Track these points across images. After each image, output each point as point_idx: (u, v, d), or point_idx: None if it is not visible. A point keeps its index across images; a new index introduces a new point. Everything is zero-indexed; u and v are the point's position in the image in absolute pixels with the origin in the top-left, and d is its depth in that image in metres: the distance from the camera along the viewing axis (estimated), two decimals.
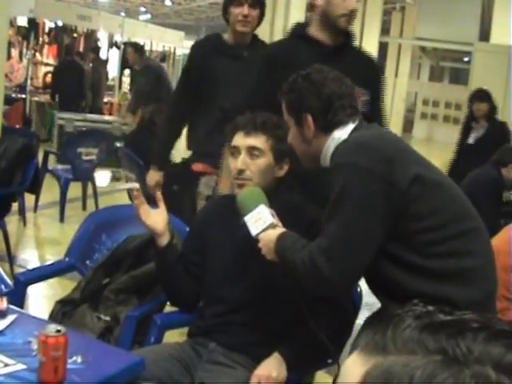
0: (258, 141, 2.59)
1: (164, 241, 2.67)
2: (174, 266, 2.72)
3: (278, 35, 12.12)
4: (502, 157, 5.77)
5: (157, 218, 2.65)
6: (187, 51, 17.79)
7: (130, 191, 6.34)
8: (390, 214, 2.12)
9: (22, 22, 14.31)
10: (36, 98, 13.46)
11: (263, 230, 2.31)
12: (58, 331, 1.89)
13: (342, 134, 2.30)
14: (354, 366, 0.79)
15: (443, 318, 0.78)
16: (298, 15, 12.53)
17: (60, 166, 8.11)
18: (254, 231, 2.33)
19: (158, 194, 2.71)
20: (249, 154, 2.58)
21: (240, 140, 2.60)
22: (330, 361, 2.49)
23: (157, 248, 2.69)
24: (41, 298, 4.95)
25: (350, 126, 2.31)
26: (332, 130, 2.31)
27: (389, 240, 2.15)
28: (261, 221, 2.32)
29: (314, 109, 2.31)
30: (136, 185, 2.72)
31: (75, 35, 15.41)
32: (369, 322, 2.43)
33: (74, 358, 2.00)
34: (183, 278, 2.73)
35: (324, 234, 2.18)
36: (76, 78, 12.46)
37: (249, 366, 2.49)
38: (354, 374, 0.78)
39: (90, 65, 14.15)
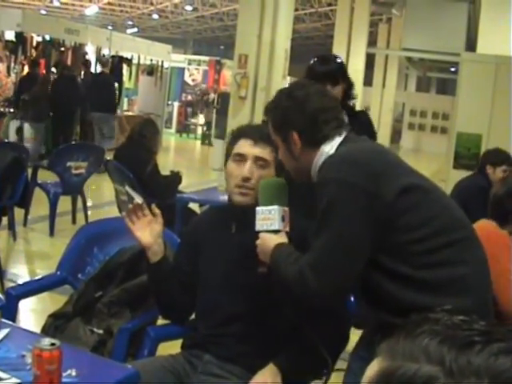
0: (266, 152, 2.59)
1: (153, 256, 2.66)
2: (166, 279, 2.70)
3: (266, 48, 12.15)
4: (482, 163, 5.78)
5: (147, 230, 2.64)
6: (174, 64, 17.83)
7: (121, 204, 6.34)
8: (378, 227, 2.12)
9: (10, 36, 14.30)
10: None
11: (266, 231, 2.32)
12: (53, 345, 1.87)
13: (329, 148, 2.29)
14: (370, 367, 0.82)
15: (457, 329, 0.79)
16: (285, 28, 12.56)
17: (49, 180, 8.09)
18: (258, 227, 2.35)
19: (154, 208, 2.68)
20: (255, 164, 2.59)
21: (247, 148, 2.60)
22: (325, 371, 2.48)
23: (148, 262, 2.68)
24: (31, 313, 4.93)
25: (337, 140, 2.31)
26: (319, 145, 2.31)
27: (379, 253, 2.15)
28: (269, 221, 2.33)
29: (299, 126, 2.32)
30: (139, 200, 2.69)
31: (63, 49, 15.40)
32: (369, 331, 2.43)
33: (69, 372, 1.99)
34: (175, 290, 2.72)
35: (312, 248, 2.19)
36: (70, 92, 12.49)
37: (244, 377, 2.48)
38: (366, 375, 0.80)
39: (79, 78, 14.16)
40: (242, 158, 2.60)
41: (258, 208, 2.37)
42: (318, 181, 2.25)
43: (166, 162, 14.22)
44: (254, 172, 2.58)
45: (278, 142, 2.41)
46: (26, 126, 12.46)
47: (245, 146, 2.61)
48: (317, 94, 2.37)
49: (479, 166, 5.85)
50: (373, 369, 0.81)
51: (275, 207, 2.34)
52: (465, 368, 0.73)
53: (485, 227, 3.53)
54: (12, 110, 12.69)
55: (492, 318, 2.25)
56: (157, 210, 2.66)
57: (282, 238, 2.33)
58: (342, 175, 2.14)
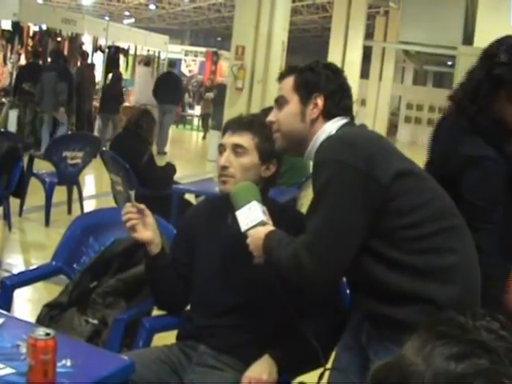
0: (243, 139, 2.61)
1: (155, 248, 2.65)
2: (166, 269, 2.69)
3: (263, 39, 12.12)
4: None
5: (141, 226, 2.61)
6: (171, 55, 17.99)
7: (117, 194, 6.33)
8: (372, 209, 2.13)
9: (6, 25, 14.25)
10: None
11: (253, 227, 2.31)
12: (48, 334, 1.86)
13: (332, 128, 2.33)
14: None
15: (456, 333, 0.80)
16: (282, 19, 12.53)
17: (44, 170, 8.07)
18: (243, 227, 2.32)
19: (140, 206, 2.65)
20: (233, 152, 2.61)
21: (226, 138, 2.64)
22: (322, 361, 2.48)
23: (148, 255, 2.66)
24: (27, 303, 4.92)
25: (340, 122, 2.35)
26: (331, 118, 2.35)
27: (370, 237, 2.15)
28: (251, 217, 2.32)
29: (330, 92, 2.37)
30: (131, 198, 2.66)
31: (59, 39, 15.35)
32: (356, 321, 2.43)
33: (64, 362, 1.98)
34: (173, 281, 2.71)
35: (307, 229, 2.19)
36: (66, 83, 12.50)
37: (239, 368, 2.48)
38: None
39: (74, 68, 14.16)
40: (222, 148, 2.64)
41: (236, 213, 2.35)
42: (314, 162, 2.25)
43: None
44: (233, 160, 2.60)
45: (290, 100, 2.41)
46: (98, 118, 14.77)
47: (225, 138, 2.66)
48: (344, 75, 2.47)
49: None
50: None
51: (253, 202, 2.34)
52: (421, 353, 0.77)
53: None
54: (9, 99, 12.67)
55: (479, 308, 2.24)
56: (141, 205, 2.64)
57: (270, 227, 2.32)
58: (339, 156, 2.15)
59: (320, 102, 2.36)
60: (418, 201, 2.19)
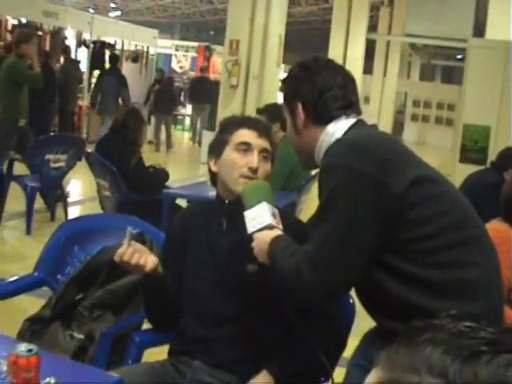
0: (269, 144, 2.65)
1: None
2: (162, 284, 2.66)
3: (259, 33, 12.12)
4: (502, 161, 5.70)
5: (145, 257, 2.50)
6: (161, 50, 18.21)
7: (104, 199, 6.32)
8: (385, 220, 2.09)
9: None
10: None
11: (259, 230, 2.30)
12: (30, 351, 1.86)
13: (336, 129, 2.29)
14: (368, 379, 0.79)
15: (463, 337, 0.76)
16: (279, 11, 12.54)
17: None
18: (250, 229, 2.32)
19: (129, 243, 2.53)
20: (260, 156, 2.61)
21: (254, 139, 2.62)
22: (322, 378, 2.47)
23: (155, 276, 2.56)
24: (7, 316, 4.90)
25: (346, 122, 2.31)
26: (324, 123, 2.32)
27: (383, 249, 2.12)
28: (259, 219, 2.31)
29: (305, 97, 2.34)
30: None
31: (40, 33, 15.35)
32: (368, 337, 2.42)
33: (48, 380, 1.97)
34: (168, 293, 2.68)
35: (311, 239, 2.16)
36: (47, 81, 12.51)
37: None
38: None
39: (57, 65, 14.15)
40: (247, 147, 2.61)
41: (245, 213, 2.34)
42: (322, 166, 2.22)
43: (152, 155, 14.21)
44: (260, 164, 2.60)
45: (286, 115, 2.44)
46: (153, 118, 16.77)
47: (250, 137, 2.62)
48: (330, 70, 2.40)
49: (497, 162, 5.77)
50: (370, 381, 0.79)
51: (262, 203, 2.33)
52: (470, 382, 0.71)
53: (498, 229, 3.51)
54: None
55: (500, 325, 2.22)
56: (130, 243, 2.51)
57: (277, 232, 2.30)
58: (349, 162, 2.11)
59: (300, 109, 2.35)
60: (438, 209, 2.15)
